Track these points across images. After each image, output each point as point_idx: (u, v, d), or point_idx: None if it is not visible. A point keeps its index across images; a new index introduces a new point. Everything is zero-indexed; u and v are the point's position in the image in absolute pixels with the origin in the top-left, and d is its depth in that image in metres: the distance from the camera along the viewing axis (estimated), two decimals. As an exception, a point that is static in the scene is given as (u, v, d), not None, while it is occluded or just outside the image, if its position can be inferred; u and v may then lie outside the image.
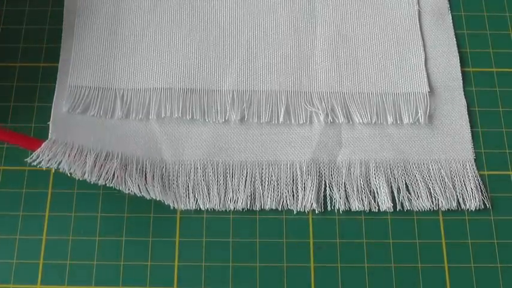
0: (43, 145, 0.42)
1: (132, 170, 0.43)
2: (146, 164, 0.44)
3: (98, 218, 0.43)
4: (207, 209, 0.44)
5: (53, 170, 0.44)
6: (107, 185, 0.42)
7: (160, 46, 0.48)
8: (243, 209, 0.44)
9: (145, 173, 0.44)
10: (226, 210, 0.44)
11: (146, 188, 0.43)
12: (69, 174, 0.42)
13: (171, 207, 0.44)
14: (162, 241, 0.43)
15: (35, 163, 0.42)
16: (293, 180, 0.44)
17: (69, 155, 0.42)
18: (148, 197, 0.43)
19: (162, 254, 0.43)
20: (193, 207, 0.43)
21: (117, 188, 0.43)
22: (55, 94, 0.46)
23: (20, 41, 0.49)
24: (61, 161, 0.42)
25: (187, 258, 0.42)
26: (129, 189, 0.43)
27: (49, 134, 0.44)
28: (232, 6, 0.50)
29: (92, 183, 0.42)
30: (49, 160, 0.42)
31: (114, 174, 0.43)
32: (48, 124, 0.45)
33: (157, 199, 0.43)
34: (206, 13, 0.50)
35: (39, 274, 0.42)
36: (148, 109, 0.46)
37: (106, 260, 0.42)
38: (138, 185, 0.43)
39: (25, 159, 0.43)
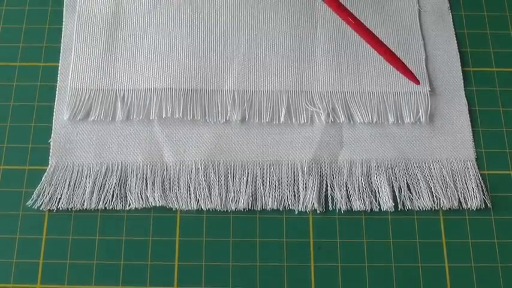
0: (43, 179, 0.44)
1: (131, 184, 0.44)
2: (147, 171, 0.44)
3: (98, 218, 0.43)
4: (208, 209, 0.43)
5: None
6: (106, 208, 0.43)
7: (160, 46, 0.48)
8: (243, 209, 0.44)
9: (146, 181, 0.44)
10: (227, 211, 0.44)
11: (147, 196, 0.43)
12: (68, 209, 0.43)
13: (173, 210, 0.44)
14: (162, 241, 0.43)
15: (34, 206, 0.43)
16: (294, 180, 0.44)
17: (69, 183, 0.44)
18: (149, 207, 0.43)
19: (162, 254, 0.42)
20: (195, 208, 0.43)
21: (117, 209, 0.43)
22: (56, 99, 0.47)
23: (20, 41, 0.49)
24: (60, 197, 0.43)
25: (187, 258, 0.42)
26: (129, 205, 0.43)
27: (49, 160, 0.45)
28: (233, 6, 0.50)
29: (92, 209, 0.43)
30: (49, 199, 0.43)
31: (113, 194, 0.43)
32: (50, 126, 0.46)
33: (158, 205, 0.43)
34: (206, 13, 0.49)
35: (39, 274, 0.42)
36: (149, 110, 0.46)
37: (106, 260, 0.42)
38: (138, 195, 0.43)
39: (26, 203, 0.44)
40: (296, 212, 0.44)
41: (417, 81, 0.46)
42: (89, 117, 0.46)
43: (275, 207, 0.44)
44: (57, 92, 0.47)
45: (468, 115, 0.47)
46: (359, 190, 0.44)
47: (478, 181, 0.45)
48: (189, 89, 0.46)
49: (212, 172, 0.44)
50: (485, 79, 0.49)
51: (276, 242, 0.43)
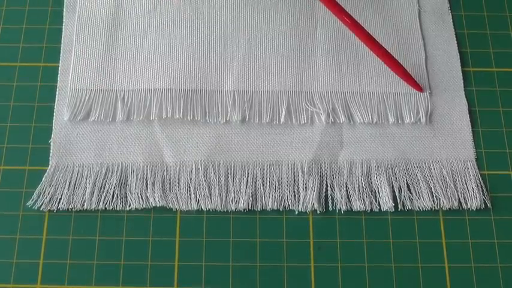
0: (43, 179, 0.44)
1: (132, 184, 0.44)
2: (147, 172, 0.44)
3: (98, 218, 0.43)
4: (208, 209, 0.43)
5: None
6: (107, 208, 0.43)
7: (161, 47, 0.48)
8: (243, 210, 0.44)
9: (146, 181, 0.44)
10: (227, 211, 0.44)
11: (147, 197, 0.43)
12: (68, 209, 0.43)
13: (173, 210, 0.44)
14: (162, 241, 0.43)
15: (34, 207, 0.43)
16: (294, 180, 0.44)
17: (69, 184, 0.44)
18: (149, 207, 0.43)
19: (162, 254, 0.42)
20: (195, 208, 0.43)
21: (117, 209, 0.43)
22: (56, 99, 0.47)
23: (20, 41, 0.49)
24: (60, 197, 0.43)
25: (187, 258, 0.42)
26: (129, 206, 0.43)
27: (49, 160, 0.45)
28: (233, 6, 0.50)
29: (92, 210, 0.43)
30: (50, 200, 0.43)
31: (113, 194, 0.43)
32: (50, 126, 0.46)
33: (158, 205, 0.43)
34: (207, 14, 0.50)
35: (39, 274, 0.42)
36: (150, 110, 0.46)
37: (106, 260, 0.42)
38: (139, 195, 0.43)
39: (26, 204, 0.44)
40: (296, 212, 0.44)
41: (419, 88, 0.46)
42: (89, 118, 0.46)
43: (275, 208, 0.44)
44: (57, 93, 0.47)
45: (468, 115, 0.47)
46: (359, 190, 0.44)
47: (478, 181, 0.45)
48: (189, 89, 0.46)
49: (212, 172, 0.44)
50: (485, 79, 0.49)
51: (276, 242, 0.43)
